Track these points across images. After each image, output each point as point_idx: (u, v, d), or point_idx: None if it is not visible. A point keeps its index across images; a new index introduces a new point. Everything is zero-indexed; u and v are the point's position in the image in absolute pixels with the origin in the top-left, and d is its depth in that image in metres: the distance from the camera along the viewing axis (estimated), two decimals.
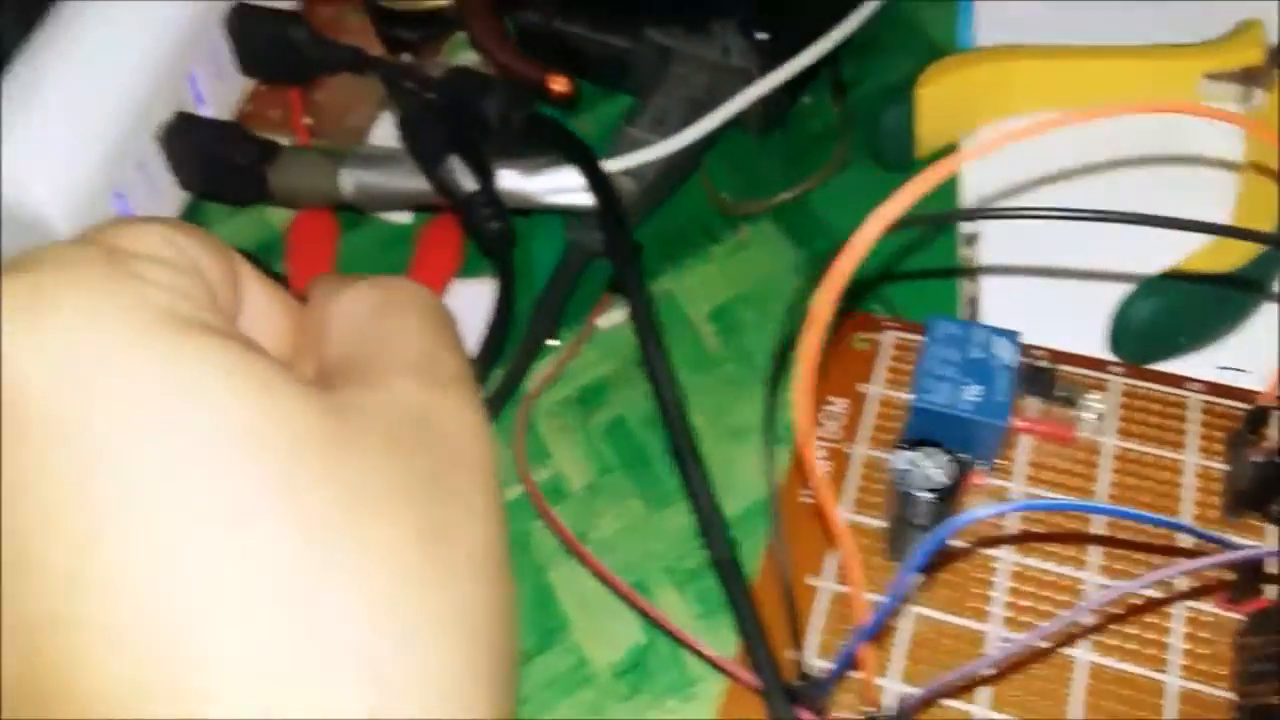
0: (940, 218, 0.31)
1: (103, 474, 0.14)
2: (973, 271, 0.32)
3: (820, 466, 0.28)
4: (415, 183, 0.33)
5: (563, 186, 0.33)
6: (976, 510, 0.20)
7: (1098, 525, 0.27)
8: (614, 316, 0.33)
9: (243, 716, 0.14)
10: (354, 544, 0.15)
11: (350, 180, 0.33)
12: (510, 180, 0.33)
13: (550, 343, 0.33)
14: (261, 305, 0.20)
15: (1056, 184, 0.33)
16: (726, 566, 0.25)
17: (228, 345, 0.16)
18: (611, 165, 0.33)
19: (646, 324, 0.28)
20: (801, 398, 0.20)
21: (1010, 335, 0.27)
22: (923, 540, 0.25)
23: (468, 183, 0.31)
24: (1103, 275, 0.31)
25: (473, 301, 0.33)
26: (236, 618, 0.14)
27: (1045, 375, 0.28)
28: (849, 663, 0.23)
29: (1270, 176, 0.31)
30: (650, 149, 0.33)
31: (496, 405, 0.31)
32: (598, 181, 0.31)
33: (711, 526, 0.26)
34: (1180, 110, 0.21)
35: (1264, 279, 0.30)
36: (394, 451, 0.17)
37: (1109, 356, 0.30)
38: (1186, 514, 0.27)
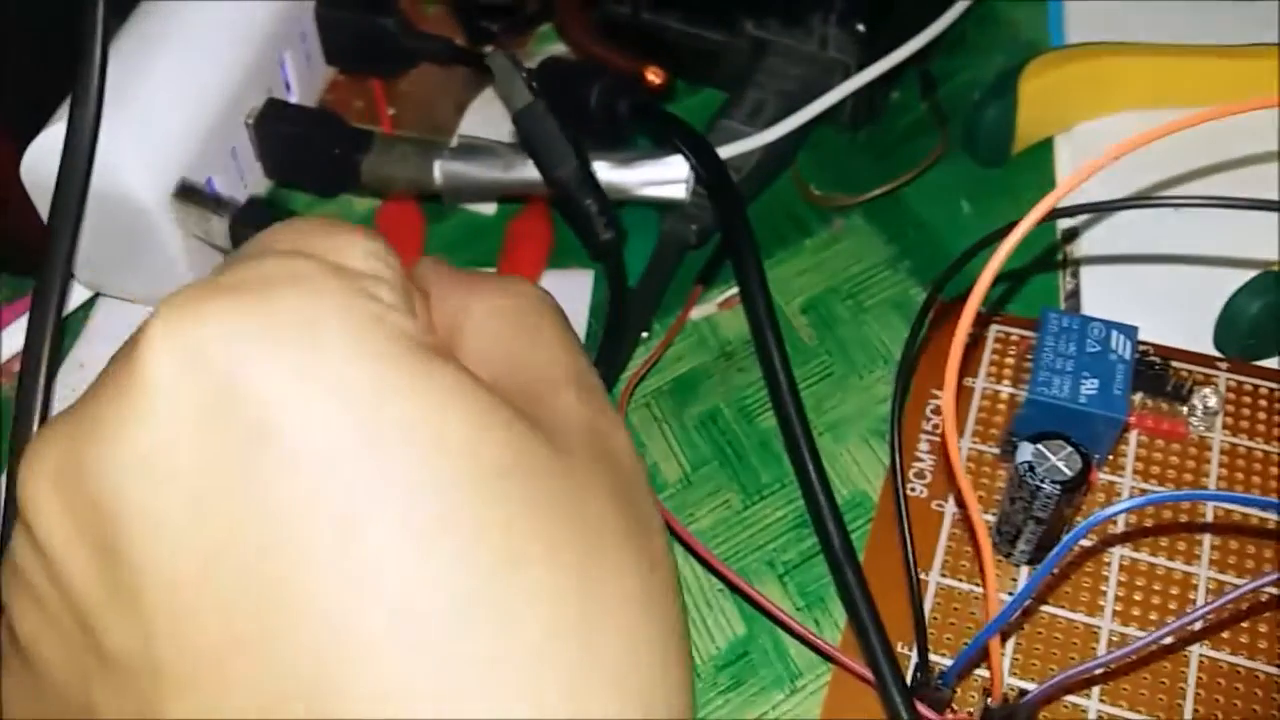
0: (1095, 207, 0.31)
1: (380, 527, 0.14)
2: (1072, 265, 0.32)
3: (926, 460, 0.29)
4: (507, 175, 0.33)
5: (656, 179, 0.33)
6: (1114, 506, 0.20)
7: (1209, 518, 0.27)
8: (705, 308, 0.33)
9: None
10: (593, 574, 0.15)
11: (443, 171, 0.33)
12: (604, 172, 0.33)
13: (642, 335, 0.33)
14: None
15: (1160, 179, 0.33)
16: (842, 553, 0.25)
17: (460, 375, 0.15)
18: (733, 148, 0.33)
19: (765, 308, 0.28)
20: (949, 389, 0.20)
21: (1126, 329, 0.27)
22: (1041, 535, 0.25)
23: (580, 189, 0.31)
24: (1206, 268, 0.31)
25: (565, 293, 0.33)
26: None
27: (1157, 370, 0.28)
28: (974, 657, 0.23)
29: None
30: (753, 138, 0.33)
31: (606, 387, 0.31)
32: (709, 162, 0.31)
33: (824, 512, 0.26)
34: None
35: None
36: (600, 479, 0.16)
37: (1214, 352, 0.30)
38: None
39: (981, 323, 0.31)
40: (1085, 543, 0.27)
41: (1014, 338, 0.30)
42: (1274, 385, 0.29)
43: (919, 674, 0.24)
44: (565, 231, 0.34)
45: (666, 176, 0.32)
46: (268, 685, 0.14)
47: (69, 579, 0.15)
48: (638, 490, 0.17)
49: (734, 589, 0.28)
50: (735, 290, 0.33)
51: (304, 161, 0.35)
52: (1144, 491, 0.27)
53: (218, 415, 0.14)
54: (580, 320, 0.33)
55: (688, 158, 0.32)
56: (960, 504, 0.26)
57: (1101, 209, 0.32)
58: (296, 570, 0.14)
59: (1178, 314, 0.30)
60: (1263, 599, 0.25)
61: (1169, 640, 0.25)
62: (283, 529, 0.14)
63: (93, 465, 0.14)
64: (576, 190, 0.31)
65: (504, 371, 0.19)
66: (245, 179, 0.35)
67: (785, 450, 0.28)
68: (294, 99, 0.36)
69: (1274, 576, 0.21)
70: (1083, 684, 0.25)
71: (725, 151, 0.33)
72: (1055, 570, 0.26)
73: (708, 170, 0.31)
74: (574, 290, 0.34)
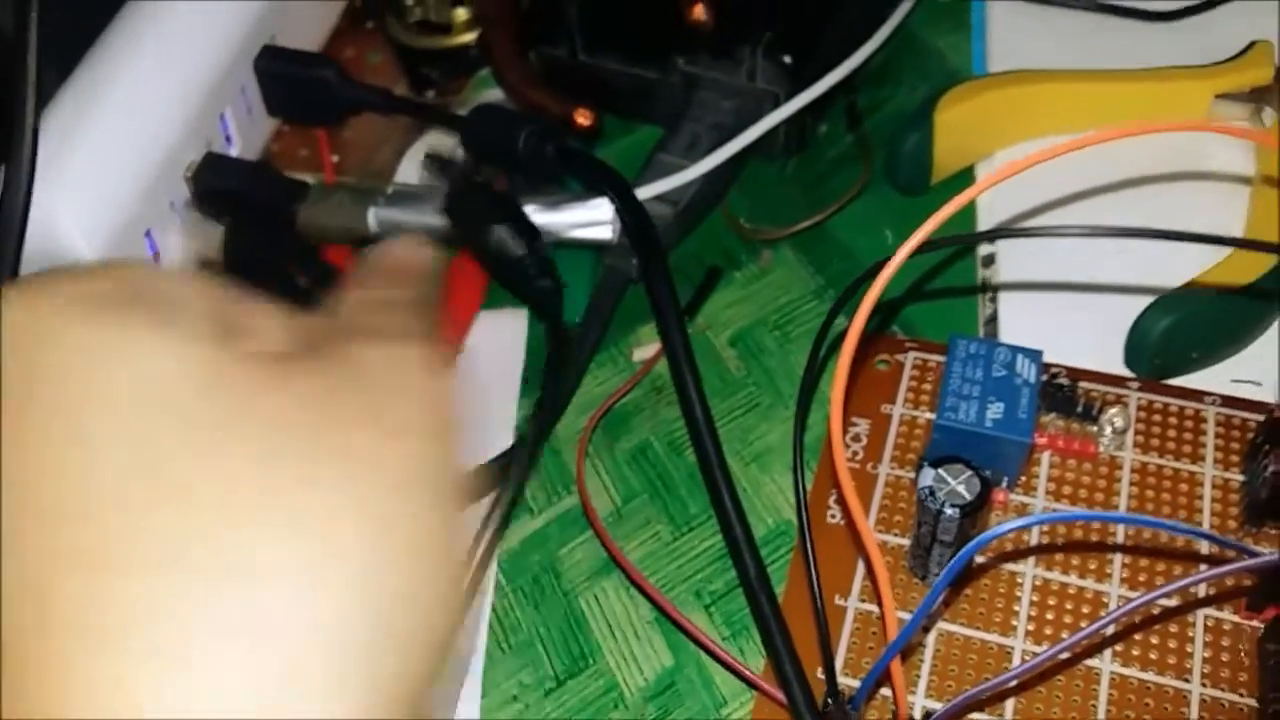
0: (967, 238, 0.32)
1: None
2: (991, 291, 0.33)
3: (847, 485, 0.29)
4: (440, 220, 0.34)
5: (584, 220, 0.34)
6: (1002, 525, 0.21)
7: (1119, 538, 0.27)
8: (644, 350, 0.34)
9: None
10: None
11: (377, 218, 0.34)
12: (533, 215, 0.33)
13: None
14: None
15: (1071, 204, 0.34)
16: (757, 584, 0.26)
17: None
18: (649, 190, 0.34)
19: (681, 348, 0.29)
20: (835, 420, 0.21)
21: (1032, 354, 0.27)
22: (949, 556, 0.26)
23: (513, 246, 0.32)
24: (1118, 292, 0.32)
25: (500, 332, 0.34)
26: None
27: (1065, 392, 0.29)
28: (879, 678, 0.24)
29: None
30: (686, 171, 0.34)
31: (544, 435, 0.32)
32: (631, 207, 0.32)
33: (740, 545, 0.26)
34: (1192, 128, 0.22)
35: (1276, 293, 0.30)
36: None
37: (1126, 372, 0.30)
38: (1206, 524, 0.27)
39: (900, 350, 0.31)
40: (997, 564, 0.27)
41: (930, 363, 0.31)
42: (1183, 403, 0.29)
43: (828, 700, 0.25)
44: None
45: (593, 219, 0.33)
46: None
47: None
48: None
49: (667, 617, 0.28)
50: None
51: (244, 213, 0.36)
52: (1055, 511, 0.28)
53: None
54: (517, 359, 0.34)
55: (612, 200, 0.32)
56: (853, 530, 0.26)
57: (970, 240, 0.33)
58: None
59: (1091, 336, 0.31)
60: (1160, 612, 0.26)
61: (1073, 656, 0.25)
62: None
63: None
64: (505, 252, 0.32)
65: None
66: (190, 231, 0.35)
67: (706, 488, 0.28)
68: (235, 151, 0.37)
69: (1174, 586, 0.21)
70: (992, 701, 0.25)
71: (661, 186, 0.34)
72: (968, 591, 0.27)
73: (626, 208, 0.32)
74: (509, 329, 0.34)
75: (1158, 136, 0.28)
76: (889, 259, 0.22)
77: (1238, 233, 0.32)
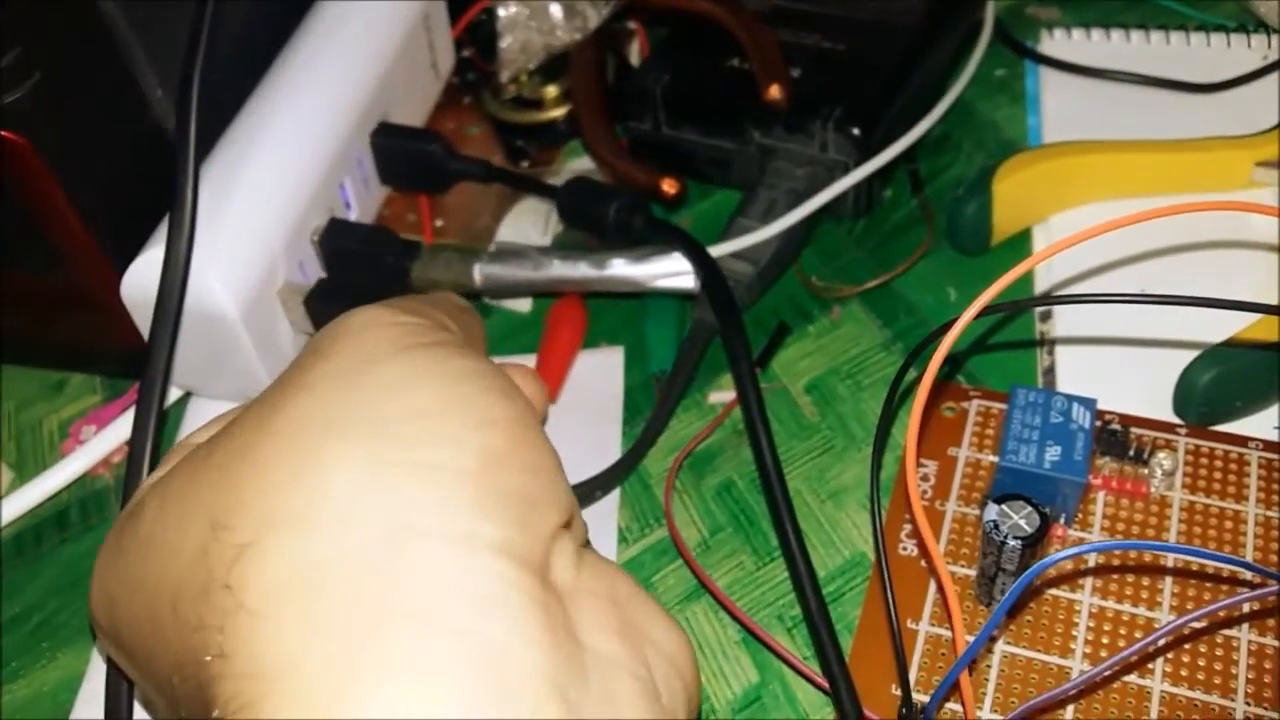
0: (1024, 304, 0.35)
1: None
2: (1048, 344, 0.36)
3: (921, 519, 0.32)
4: (536, 274, 0.37)
5: (669, 271, 0.37)
6: (1057, 553, 0.24)
7: (1169, 570, 0.30)
8: (724, 393, 0.37)
9: None
10: None
11: (481, 273, 0.38)
12: (621, 268, 0.37)
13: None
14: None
15: (1122, 267, 0.37)
16: (818, 616, 0.29)
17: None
18: (727, 247, 0.37)
19: (755, 399, 0.32)
20: (910, 462, 0.24)
21: (1086, 401, 0.30)
22: (1012, 584, 0.28)
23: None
24: (1166, 346, 0.35)
25: (599, 370, 0.38)
26: None
27: (1118, 437, 0.31)
28: (948, 691, 0.27)
29: None
30: (758, 231, 0.38)
31: (629, 468, 0.35)
32: (710, 270, 0.35)
33: (803, 581, 0.30)
34: (1230, 208, 0.25)
35: None
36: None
37: (1174, 419, 0.33)
38: (1248, 558, 0.30)
39: (965, 398, 0.34)
40: (1056, 591, 0.30)
41: (993, 411, 0.34)
42: (1228, 447, 0.32)
43: (903, 709, 0.27)
44: (596, 316, 0.39)
45: (678, 269, 0.37)
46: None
47: None
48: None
49: (753, 637, 0.31)
50: None
51: (364, 271, 0.39)
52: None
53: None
54: (616, 391, 0.38)
55: (696, 272, 0.36)
56: (927, 557, 0.29)
57: (1027, 306, 0.36)
58: None
59: (1142, 386, 0.34)
60: (1207, 636, 0.28)
61: (1124, 674, 0.28)
62: None
63: None
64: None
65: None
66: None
67: (774, 529, 0.32)
68: (353, 216, 0.41)
69: (1216, 606, 0.24)
70: (1051, 710, 0.28)
71: (737, 244, 0.37)
72: (1029, 617, 0.30)
73: (709, 277, 0.36)
74: (607, 366, 0.38)
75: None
76: (956, 318, 0.25)
77: (1276, 293, 0.35)
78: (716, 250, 0.37)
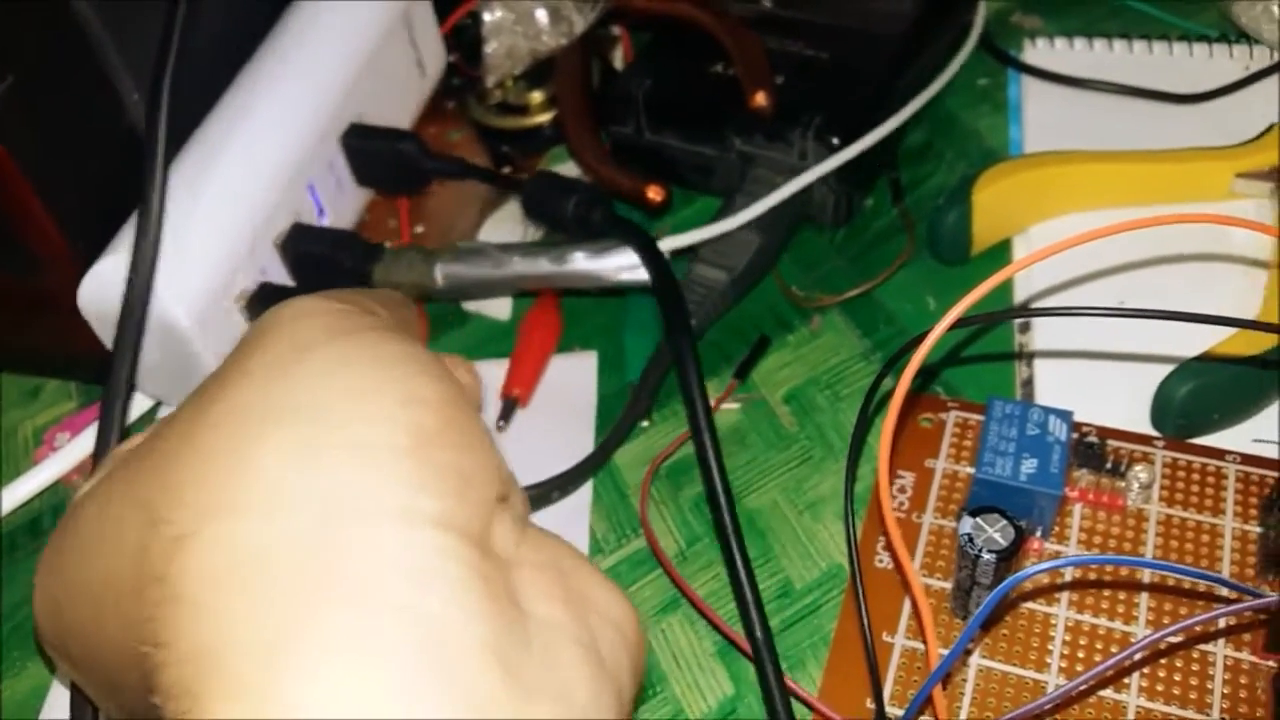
0: (1000, 316, 0.35)
1: None
2: (1027, 356, 0.36)
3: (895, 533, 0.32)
4: (497, 271, 0.37)
5: (628, 264, 0.37)
6: (1032, 567, 0.24)
7: (1145, 584, 0.30)
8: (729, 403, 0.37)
9: None
10: None
11: (442, 273, 0.37)
12: (582, 262, 0.37)
13: (642, 424, 0.36)
14: None
15: (1101, 278, 0.37)
16: (763, 645, 0.29)
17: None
18: (695, 237, 0.38)
19: (704, 416, 0.32)
20: (883, 474, 0.24)
21: (1063, 414, 0.30)
22: (987, 596, 0.28)
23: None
24: (1143, 359, 0.34)
25: (573, 373, 0.38)
26: None
27: (1095, 449, 0.31)
28: (922, 705, 0.26)
29: None
30: (723, 221, 0.38)
31: (587, 474, 0.35)
32: (659, 267, 0.36)
33: (749, 609, 0.30)
34: (1213, 221, 0.25)
35: None
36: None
37: (1152, 432, 0.33)
38: (1225, 572, 0.30)
39: (943, 409, 0.34)
40: (1032, 605, 0.30)
41: (970, 422, 0.34)
42: (1205, 460, 0.32)
43: None
44: (573, 321, 0.39)
45: (637, 262, 0.36)
46: None
47: None
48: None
49: (732, 645, 0.31)
50: (725, 390, 0.37)
51: (325, 274, 0.38)
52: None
53: None
54: (590, 395, 0.38)
55: (648, 269, 0.36)
56: (900, 571, 0.29)
57: (1002, 318, 0.36)
58: None
59: (1120, 398, 0.34)
60: (1183, 650, 0.28)
61: (1099, 688, 0.28)
62: None
63: None
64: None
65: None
66: None
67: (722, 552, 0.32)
68: (327, 220, 0.40)
69: (1192, 621, 0.24)
70: None
71: (696, 235, 0.38)
72: (1005, 631, 0.29)
73: (658, 275, 0.36)
74: (581, 370, 0.38)
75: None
76: (932, 328, 0.25)
77: (1255, 306, 0.35)
78: (683, 240, 0.37)
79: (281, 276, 0.38)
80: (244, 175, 0.36)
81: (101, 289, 0.33)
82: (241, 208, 0.36)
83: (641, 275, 0.36)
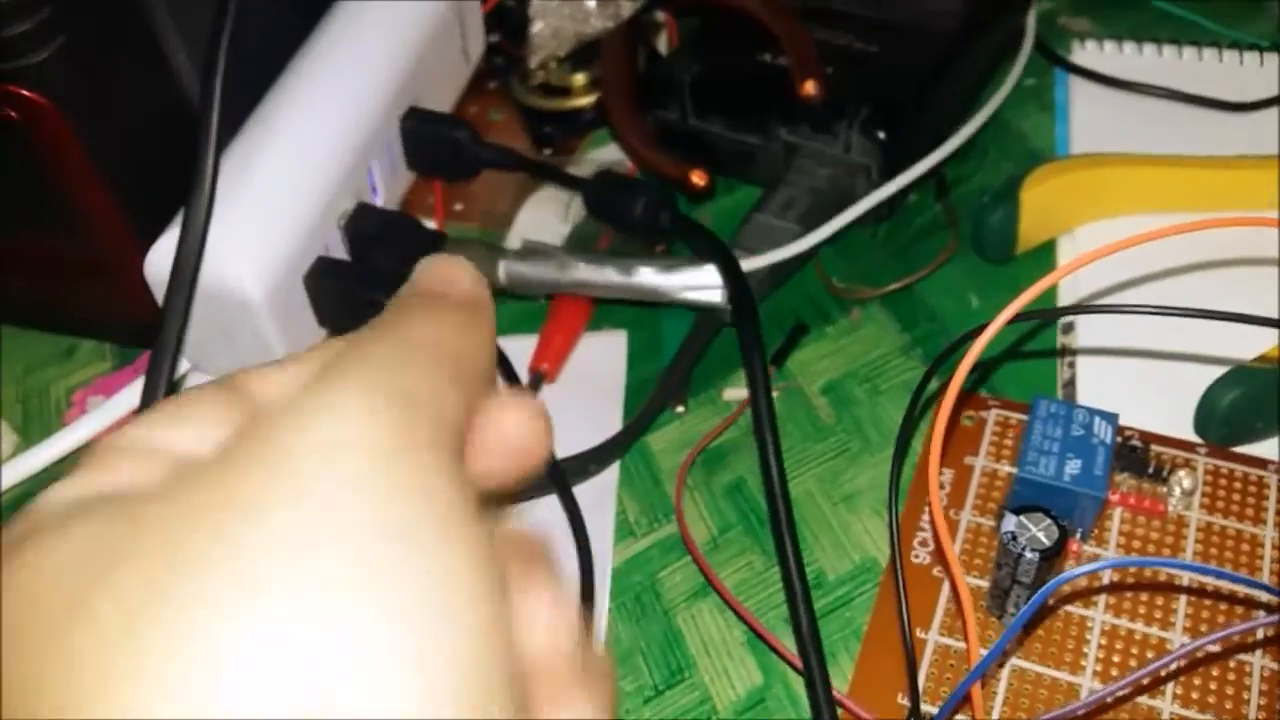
0: (1052, 313, 0.34)
1: None
2: (1069, 356, 0.35)
3: (929, 531, 0.32)
4: (561, 275, 0.37)
5: (695, 284, 0.37)
6: (1074, 569, 0.23)
7: (1183, 589, 0.30)
8: (738, 391, 0.37)
9: None
10: None
11: (506, 271, 0.37)
12: (647, 277, 0.37)
13: (678, 409, 0.36)
14: None
15: (1147, 281, 0.36)
16: (808, 636, 0.29)
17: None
18: (758, 261, 0.37)
19: (766, 407, 0.32)
20: (933, 467, 0.24)
21: (1108, 416, 0.30)
22: (1026, 598, 0.28)
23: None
24: (1189, 362, 0.34)
25: (602, 353, 0.38)
26: None
27: (1138, 454, 0.31)
28: (958, 704, 0.26)
29: None
30: (794, 245, 0.37)
31: (616, 453, 0.35)
32: (735, 276, 0.35)
33: (797, 599, 0.30)
34: (1257, 224, 0.25)
35: None
36: None
37: (1195, 439, 0.33)
38: (1265, 580, 0.29)
39: (984, 407, 0.34)
40: (1070, 607, 0.30)
41: (1012, 421, 0.33)
42: (1247, 469, 0.32)
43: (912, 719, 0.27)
44: (607, 304, 0.39)
45: (705, 282, 0.36)
46: None
47: None
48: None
49: (759, 638, 0.31)
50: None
51: (386, 258, 0.39)
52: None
53: None
54: (619, 373, 0.38)
55: (719, 269, 0.36)
56: (944, 566, 0.29)
57: (1054, 315, 0.36)
58: None
59: (1164, 403, 0.33)
60: (1220, 658, 0.28)
61: (1130, 693, 0.28)
62: None
63: None
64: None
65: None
66: None
67: (773, 540, 0.31)
68: (379, 201, 0.40)
69: (1230, 630, 0.24)
70: None
71: (771, 257, 0.37)
72: (1041, 633, 0.29)
73: (729, 277, 0.36)
74: (610, 349, 0.38)
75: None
76: (983, 327, 0.24)
77: None
78: (760, 261, 0.37)
79: (342, 256, 0.38)
80: (311, 152, 0.36)
81: (168, 257, 0.33)
82: (308, 184, 0.36)
83: (709, 298, 0.36)
